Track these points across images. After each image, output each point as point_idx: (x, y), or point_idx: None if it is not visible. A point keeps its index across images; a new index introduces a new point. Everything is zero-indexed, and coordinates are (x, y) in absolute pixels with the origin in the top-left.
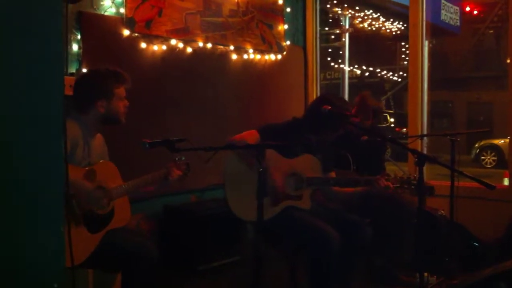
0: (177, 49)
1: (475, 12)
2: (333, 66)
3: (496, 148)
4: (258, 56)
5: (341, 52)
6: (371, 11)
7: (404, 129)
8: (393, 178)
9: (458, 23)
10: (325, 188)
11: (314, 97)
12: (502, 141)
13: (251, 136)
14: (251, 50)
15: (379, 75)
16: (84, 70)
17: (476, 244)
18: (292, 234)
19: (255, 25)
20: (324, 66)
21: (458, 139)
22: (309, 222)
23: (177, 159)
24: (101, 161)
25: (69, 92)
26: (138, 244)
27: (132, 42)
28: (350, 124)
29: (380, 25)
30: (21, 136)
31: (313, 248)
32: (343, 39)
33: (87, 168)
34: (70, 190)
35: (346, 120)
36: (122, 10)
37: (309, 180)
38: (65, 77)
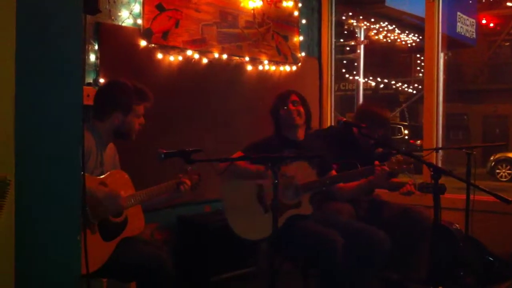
0: (193, 59)
1: (491, 24)
2: (348, 77)
3: (511, 162)
4: (273, 68)
5: (356, 64)
6: (386, 23)
7: (419, 141)
8: (389, 162)
9: (474, 36)
10: (329, 190)
11: (329, 109)
12: None
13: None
14: (266, 61)
15: (393, 87)
16: (102, 80)
17: (492, 259)
18: (297, 243)
19: (271, 36)
20: (339, 77)
21: (474, 152)
22: (310, 228)
23: (188, 169)
24: (113, 170)
25: (85, 102)
26: (153, 254)
27: (149, 53)
28: (363, 136)
29: (396, 37)
30: (40, 145)
31: (317, 253)
32: (358, 51)
33: (100, 177)
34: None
35: (359, 131)
36: (139, 21)
37: (304, 186)
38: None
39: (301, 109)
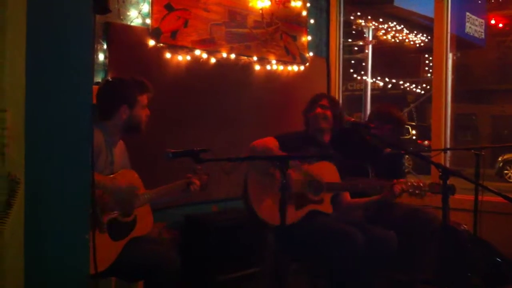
0: (201, 59)
1: (500, 25)
2: (356, 77)
3: None
4: (281, 67)
5: (364, 64)
6: (394, 23)
7: (426, 142)
8: (406, 183)
9: (483, 36)
10: (339, 208)
11: None
12: None
13: (270, 142)
14: (274, 61)
15: (402, 87)
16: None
17: (500, 260)
18: (317, 238)
19: (279, 36)
20: (347, 77)
21: (483, 153)
22: (333, 224)
23: (198, 169)
24: (123, 170)
25: (94, 101)
26: (161, 253)
27: (157, 52)
28: (371, 136)
29: (404, 37)
30: (50, 145)
31: (338, 247)
32: (366, 51)
33: (110, 176)
34: (102, 192)
35: (367, 132)
36: (148, 21)
37: (328, 185)
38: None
39: (329, 114)
